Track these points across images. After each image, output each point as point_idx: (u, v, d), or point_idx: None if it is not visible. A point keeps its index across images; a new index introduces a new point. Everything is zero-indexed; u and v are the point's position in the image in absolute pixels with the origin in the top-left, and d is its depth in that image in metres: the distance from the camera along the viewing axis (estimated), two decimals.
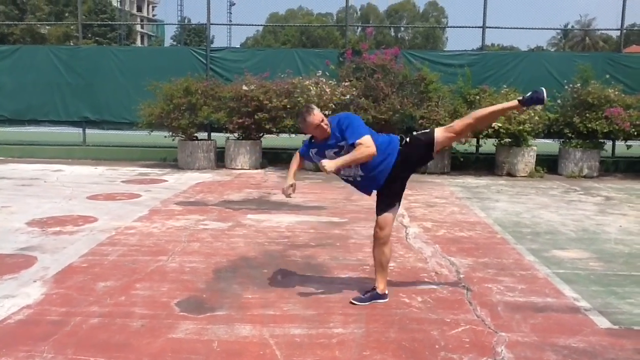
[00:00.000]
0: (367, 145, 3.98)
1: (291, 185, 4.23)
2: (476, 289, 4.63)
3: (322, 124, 4.11)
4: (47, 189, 9.15)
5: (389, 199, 4.28)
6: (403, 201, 8.44)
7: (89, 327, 3.73)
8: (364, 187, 4.29)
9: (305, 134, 4.23)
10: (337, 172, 4.13)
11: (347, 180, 4.34)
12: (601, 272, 5.19)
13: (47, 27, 39.70)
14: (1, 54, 13.89)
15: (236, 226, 6.72)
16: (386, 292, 4.30)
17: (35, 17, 38.61)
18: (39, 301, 4.17)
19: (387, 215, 4.25)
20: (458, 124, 4.36)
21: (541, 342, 3.62)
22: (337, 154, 4.10)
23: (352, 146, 4.01)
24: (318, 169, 4.15)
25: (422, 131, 4.49)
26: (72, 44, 30.53)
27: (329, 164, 3.94)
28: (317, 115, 4.12)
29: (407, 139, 4.29)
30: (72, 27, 33.56)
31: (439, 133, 4.30)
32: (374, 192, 4.34)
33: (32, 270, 4.90)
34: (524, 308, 4.23)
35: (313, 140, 4.30)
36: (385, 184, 4.23)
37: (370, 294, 4.28)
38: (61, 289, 4.44)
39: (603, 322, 3.98)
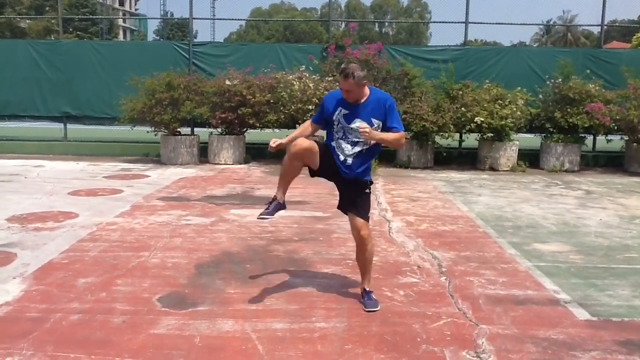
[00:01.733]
0: (404, 139, 4.06)
1: (281, 143, 4.02)
2: (458, 282, 4.66)
3: (364, 86, 4.00)
4: (28, 184, 9.04)
5: (362, 203, 4.13)
6: (387, 195, 8.56)
7: (69, 323, 3.70)
8: (348, 165, 4.06)
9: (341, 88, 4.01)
10: (337, 138, 4.07)
11: (334, 148, 4.10)
12: (581, 264, 5.25)
13: (28, 21, 39.20)
14: None
15: (219, 221, 6.70)
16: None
17: (15, 10, 38.14)
18: (18, 298, 4.13)
19: (366, 224, 4.11)
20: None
21: (521, 334, 3.66)
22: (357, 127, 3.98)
23: (389, 130, 4.00)
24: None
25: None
26: (52, 38, 30.16)
27: (372, 132, 3.87)
28: (364, 74, 3.95)
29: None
30: (52, 21, 33.14)
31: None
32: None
33: (11, 266, 4.84)
34: (505, 301, 4.27)
35: (345, 99, 4.04)
36: (360, 181, 4.12)
37: (369, 296, 4.15)
38: (41, 285, 4.40)
39: (582, 314, 4.03)
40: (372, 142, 4.02)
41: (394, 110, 4.06)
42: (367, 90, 4.05)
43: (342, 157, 4.05)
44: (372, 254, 4.24)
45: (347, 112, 4.03)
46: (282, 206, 4.13)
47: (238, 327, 3.70)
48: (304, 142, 3.91)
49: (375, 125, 3.99)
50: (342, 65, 4.14)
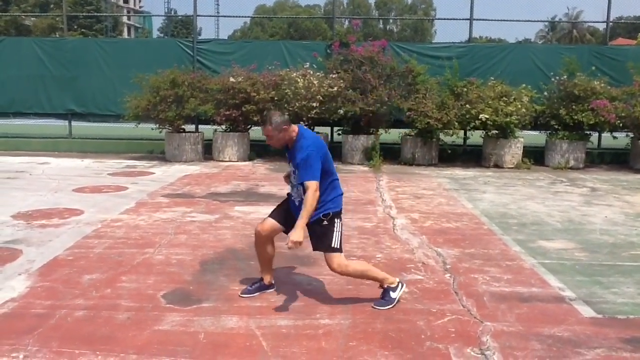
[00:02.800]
0: (316, 192, 3.79)
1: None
2: (462, 280, 4.65)
3: (286, 131, 3.91)
4: (33, 181, 9.07)
5: (321, 237, 3.98)
6: (391, 192, 8.55)
7: (74, 320, 3.71)
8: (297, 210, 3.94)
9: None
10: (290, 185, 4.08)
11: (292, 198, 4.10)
12: (586, 262, 5.23)
13: (32, 18, 39.28)
14: None
15: (223, 218, 6.70)
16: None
17: (20, 8, 38.19)
18: (23, 294, 4.14)
19: (334, 255, 3.96)
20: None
21: (526, 332, 3.65)
22: (295, 170, 3.95)
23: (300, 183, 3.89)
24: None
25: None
26: (57, 35, 30.21)
27: (297, 241, 3.66)
28: (282, 120, 3.88)
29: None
30: (57, 19, 33.17)
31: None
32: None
33: (17, 263, 4.86)
34: (510, 298, 4.26)
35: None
36: (314, 220, 3.92)
37: (384, 295, 4.10)
38: (46, 282, 4.42)
39: (587, 312, 4.02)
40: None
41: (307, 163, 3.82)
42: (293, 133, 3.94)
43: (297, 201, 4.00)
44: (360, 271, 4.10)
45: (288, 155, 4.05)
46: (267, 287, 4.26)
47: (242, 324, 3.70)
48: (262, 228, 4.10)
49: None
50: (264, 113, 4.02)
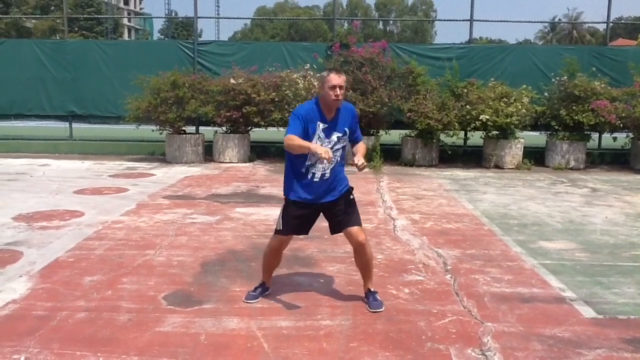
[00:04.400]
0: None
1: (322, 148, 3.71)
2: (463, 280, 4.65)
3: (344, 89, 3.85)
4: (34, 183, 9.07)
5: (351, 211, 4.04)
6: (392, 193, 8.55)
7: (75, 321, 3.71)
8: (327, 186, 3.97)
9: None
10: (312, 158, 3.88)
11: (311, 176, 3.95)
12: (587, 262, 5.23)
13: (33, 20, 39.31)
14: None
15: (224, 220, 6.71)
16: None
17: (21, 10, 38.23)
18: (25, 296, 4.15)
19: (358, 227, 4.01)
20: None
21: (527, 332, 3.65)
22: (339, 140, 3.95)
23: (355, 140, 4.10)
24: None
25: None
26: (58, 37, 30.24)
27: (361, 159, 3.84)
28: (345, 77, 3.89)
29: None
30: (58, 21, 33.21)
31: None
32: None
33: (18, 265, 4.86)
34: (511, 299, 4.26)
35: (324, 115, 3.89)
36: (344, 193, 4.05)
37: (373, 297, 4.10)
38: (47, 283, 4.42)
39: (588, 312, 4.02)
40: (341, 150, 3.99)
41: (358, 120, 4.13)
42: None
43: (320, 177, 3.93)
44: (372, 255, 4.17)
45: (325, 126, 3.91)
46: (267, 289, 4.29)
47: (243, 325, 3.70)
48: (282, 244, 4.13)
49: (346, 134, 3.99)
50: (327, 69, 4.02)
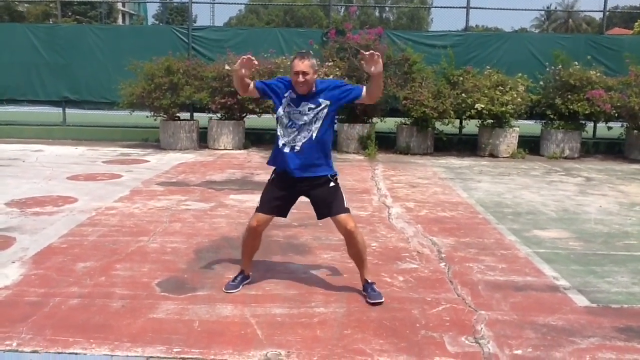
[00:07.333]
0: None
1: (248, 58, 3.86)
2: (457, 269, 4.66)
3: (309, 75, 3.79)
4: (27, 169, 9.02)
5: (335, 198, 3.96)
6: (386, 181, 8.54)
7: (68, 308, 3.70)
8: (301, 161, 3.89)
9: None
10: (285, 134, 3.90)
11: (281, 145, 3.93)
12: (581, 251, 5.24)
13: (26, 4, 38.86)
14: None
15: (218, 206, 6.69)
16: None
17: None
18: (17, 282, 4.12)
19: (346, 215, 3.95)
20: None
21: (520, 320, 3.66)
22: (311, 111, 3.87)
23: (353, 98, 3.96)
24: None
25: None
26: (51, 22, 29.95)
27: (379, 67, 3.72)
28: (309, 62, 3.81)
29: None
30: (51, 5, 32.85)
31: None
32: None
33: (10, 251, 4.83)
34: (504, 287, 4.27)
35: (292, 90, 3.92)
36: (322, 178, 3.96)
37: (372, 288, 4.02)
38: (40, 269, 4.40)
39: (582, 301, 4.03)
40: (319, 124, 3.88)
41: (345, 84, 4.05)
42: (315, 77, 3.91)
43: (288, 144, 3.90)
44: (364, 244, 4.08)
45: (294, 96, 3.90)
46: (247, 278, 4.22)
47: (237, 312, 3.70)
48: (258, 223, 4.02)
49: (322, 105, 3.88)
50: (296, 53, 3.98)
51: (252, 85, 4.03)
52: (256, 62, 3.94)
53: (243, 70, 3.90)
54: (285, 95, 3.93)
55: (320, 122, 3.90)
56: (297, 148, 3.88)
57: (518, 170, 10.05)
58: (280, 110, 3.94)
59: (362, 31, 12.42)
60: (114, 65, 12.81)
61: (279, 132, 3.97)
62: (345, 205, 3.98)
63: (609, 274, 4.62)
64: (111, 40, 13.38)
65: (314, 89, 3.90)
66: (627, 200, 7.64)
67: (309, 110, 3.89)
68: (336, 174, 4.06)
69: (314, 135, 3.89)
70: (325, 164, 3.98)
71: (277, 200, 4.02)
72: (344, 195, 4.02)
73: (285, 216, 4.18)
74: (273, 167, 4.09)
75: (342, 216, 3.93)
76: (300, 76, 3.78)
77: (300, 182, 3.94)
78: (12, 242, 5.06)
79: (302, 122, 3.88)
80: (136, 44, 12.98)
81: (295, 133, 3.88)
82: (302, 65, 3.78)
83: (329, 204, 3.96)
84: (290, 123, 3.91)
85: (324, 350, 3.21)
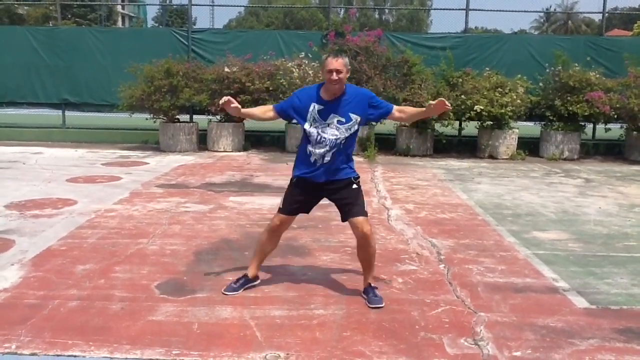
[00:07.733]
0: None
1: (228, 101, 4.00)
2: (456, 270, 4.66)
3: (342, 74, 3.78)
4: (26, 171, 9.02)
5: (356, 201, 3.97)
6: (386, 183, 8.54)
7: (67, 310, 3.69)
8: (327, 167, 3.91)
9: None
10: (311, 143, 3.87)
11: (313, 160, 3.91)
12: (580, 253, 5.24)
13: (26, 7, 38.89)
14: None
15: (218, 208, 6.69)
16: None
17: None
18: (16, 284, 4.12)
19: (364, 218, 3.94)
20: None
21: (520, 322, 3.66)
22: (341, 126, 3.84)
23: (381, 115, 4.04)
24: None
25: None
26: (51, 24, 29.98)
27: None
28: (343, 60, 3.80)
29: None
30: (51, 8, 32.90)
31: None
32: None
33: (9, 253, 4.83)
34: (504, 288, 4.27)
35: (322, 96, 3.89)
36: (345, 181, 3.97)
37: (373, 293, 4.00)
38: (39, 272, 4.39)
39: (581, 302, 4.03)
40: (348, 135, 3.88)
41: (378, 98, 4.07)
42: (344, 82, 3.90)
43: (319, 159, 3.90)
44: (375, 249, 4.07)
45: (321, 107, 3.87)
46: (252, 280, 4.18)
47: (236, 314, 3.69)
48: (282, 221, 4.03)
49: (354, 121, 3.87)
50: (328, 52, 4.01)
51: (272, 113, 4.06)
52: (234, 103, 3.99)
53: (232, 109, 3.99)
54: (310, 109, 3.88)
55: (350, 134, 3.91)
56: (328, 158, 3.89)
57: (517, 172, 10.05)
58: (307, 126, 3.90)
59: (362, 33, 12.42)
60: (114, 68, 12.83)
61: (309, 148, 3.91)
62: (365, 209, 4.00)
63: (608, 276, 4.61)
64: (111, 42, 13.38)
65: (343, 90, 3.90)
66: (627, 201, 7.64)
67: (338, 124, 3.86)
68: (359, 177, 4.07)
69: (342, 145, 3.91)
70: (348, 167, 4.01)
71: (299, 202, 4.05)
72: (364, 199, 4.04)
73: (308, 213, 4.21)
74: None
75: (360, 219, 3.91)
76: (334, 74, 3.76)
77: (324, 185, 3.97)
78: (11, 245, 5.06)
79: (334, 138, 3.86)
80: (136, 47, 12.99)
81: (327, 149, 3.87)
82: (336, 63, 3.77)
83: (349, 205, 3.97)
84: (319, 138, 3.86)
85: (323, 352, 3.21)
